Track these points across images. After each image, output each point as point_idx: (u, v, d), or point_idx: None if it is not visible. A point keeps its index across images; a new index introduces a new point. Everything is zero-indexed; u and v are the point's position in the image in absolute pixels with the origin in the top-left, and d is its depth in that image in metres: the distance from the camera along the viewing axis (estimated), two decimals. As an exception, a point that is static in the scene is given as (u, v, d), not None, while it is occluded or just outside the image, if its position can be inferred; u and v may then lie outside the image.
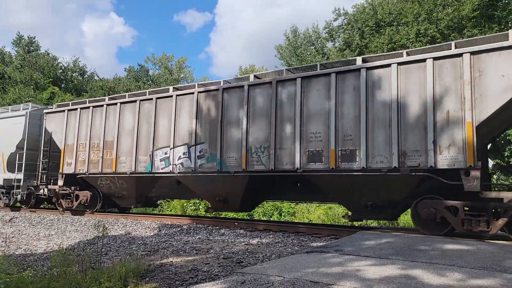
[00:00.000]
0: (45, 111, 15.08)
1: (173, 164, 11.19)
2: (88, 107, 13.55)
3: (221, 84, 11.07)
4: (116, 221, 12.11)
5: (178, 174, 11.12)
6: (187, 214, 17.92)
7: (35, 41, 42.99)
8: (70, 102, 14.41)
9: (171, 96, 11.66)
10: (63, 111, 14.19)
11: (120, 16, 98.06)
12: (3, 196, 16.22)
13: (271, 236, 9.13)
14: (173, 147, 11.26)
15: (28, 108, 16.16)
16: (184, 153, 11.08)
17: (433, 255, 5.57)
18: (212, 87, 11.02)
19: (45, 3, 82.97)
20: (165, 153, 11.43)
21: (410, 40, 22.01)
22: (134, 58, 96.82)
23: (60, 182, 13.93)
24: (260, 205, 16.13)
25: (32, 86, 34.29)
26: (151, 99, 12.06)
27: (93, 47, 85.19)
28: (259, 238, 8.81)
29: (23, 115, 15.75)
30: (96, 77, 43.44)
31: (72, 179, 13.84)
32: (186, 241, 8.48)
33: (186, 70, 48.46)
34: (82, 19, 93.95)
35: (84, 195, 13.58)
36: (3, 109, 17.58)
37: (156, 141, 11.67)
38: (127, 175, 12.25)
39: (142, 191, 12.75)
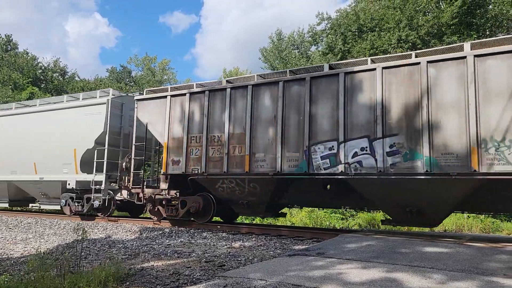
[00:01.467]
0: (136, 97, 12.27)
1: (345, 163, 8.68)
2: (202, 92, 10.79)
3: (414, 57, 8.56)
4: (96, 224, 11.91)
5: (354, 176, 8.61)
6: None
7: (12, 39, 42.03)
8: (169, 87, 11.71)
9: (336, 74, 9.07)
10: (164, 97, 11.43)
11: (105, 17, 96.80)
12: (73, 202, 13.39)
13: (253, 239, 9.11)
14: (344, 141, 8.79)
15: (108, 95, 13.33)
16: (363, 148, 8.64)
17: (413, 257, 5.65)
18: (405, 62, 8.44)
19: (26, 1, 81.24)
20: (330, 149, 8.97)
21: (392, 45, 22.38)
22: (117, 59, 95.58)
23: (164, 185, 11.20)
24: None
25: (10, 86, 33.49)
26: (303, 79, 9.43)
27: (76, 47, 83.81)
28: (242, 241, 8.78)
29: (103, 104, 12.99)
30: (77, 78, 42.72)
31: (176, 181, 11.19)
32: (167, 245, 8.39)
33: (170, 72, 48.15)
34: (65, 18, 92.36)
35: (195, 201, 10.81)
36: (70, 96, 14.70)
37: (314, 133, 9.13)
38: (269, 176, 9.55)
39: (276, 197, 10.29)
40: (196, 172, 10.58)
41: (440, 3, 22.20)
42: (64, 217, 13.53)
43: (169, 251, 7.56)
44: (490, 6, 21.20)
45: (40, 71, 39.61)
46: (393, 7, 23.48)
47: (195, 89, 11.09)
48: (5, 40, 41.48)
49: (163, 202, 11.38)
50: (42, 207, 14.87)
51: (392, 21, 22.86)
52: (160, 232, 10.24)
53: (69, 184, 13.24)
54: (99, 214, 13.30)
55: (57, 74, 41.54)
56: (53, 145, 13.72)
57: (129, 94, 14.44)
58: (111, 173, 12.89)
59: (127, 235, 10.15)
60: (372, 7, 25.32)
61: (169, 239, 9.30)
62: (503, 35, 20.04)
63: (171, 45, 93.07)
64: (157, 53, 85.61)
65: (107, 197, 12.77)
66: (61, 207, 13.94)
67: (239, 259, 6.58)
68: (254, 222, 13.57)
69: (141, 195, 11.73)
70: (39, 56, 45.81)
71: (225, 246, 8.11)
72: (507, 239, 7.88)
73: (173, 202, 11.30)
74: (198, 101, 10.89)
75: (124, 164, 12.63)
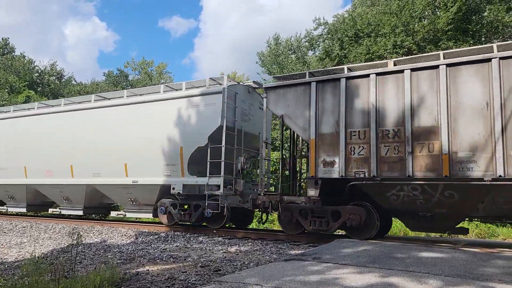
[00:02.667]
0: (265, 85, 10.53)
1: None
2: (365, 76, 8.80)
3: None
4: (92, 228, 11.85)
5: None
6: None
7: (9, 43, 41.97)
8: (307, 72, 9.71)
9: None
10: (306, 84, 9.42)
11: (103, 21, 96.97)
12: (176, 210, 11.23)
13: (249, 244, 9.09)
14: None
15: (222, 83, 11.20)
16: None
17: (409, 263, 5.65)
18: None
19: (25, 3, 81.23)
20: None
21: (388, 51, 22.50)
22: (116, 63, 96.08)
23: (313, 191, 9.07)
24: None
25: (6, 89, 33.39)
26: None
27: (74, 51, 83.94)
28: (238, 246, 8.76)
29: (219, 93, 10.76)
30: (73, 82, 42.66)
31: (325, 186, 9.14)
32: (163, 249, 8.36)
33: (167, 76, 48.14)
34: (64, 22, 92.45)
35: (354, 212, 8.72)
36: (167, 86, 12.57)
37: None
38: (483, 182, 7.51)
39: (474, 208, 8.24)
40: (362, 176, 8.57)
41: (436, 10, 22.36)
42: (59, 221, 13.42)
43: (164, 255, 7.52)
44: (486, 13, 21.37)
45: (36, 74, 39.54)
46: (389, 13, 23.63)
47: (354, 73, 9.06)
48: (2, 43, 41.42)
49: (305, 212, 9.34)
50: (129, 215, 12.88)
51: (388, 26, 22.99)
52: (155, 237, 10.20)
53: (173, 188, 11.11)
54: (208, 225, 11.21)
55: (54, 78, 41.47)
56: (150, 144, 11.61)
57: (241, 83, 12.10)
58: (226, 175, 10.85)
59: (123, 240, 10.10)
60: (369, 12, 25.47)
61: (165, 243, 9.26)
62: (499, 41, 20.22)
63: (170, 49, 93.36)
64: (156, 57, 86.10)
65: (225, 205, 10.55)
66: (156, 215, 11.95)
67: (235, 264, 6.56)
68: (250, 226, 13.54)
69: (261, 201, 9.93)
70: (36, 59, 45.86)
71: (221, 251, 8.09)
72: (503, 244, 7.90)
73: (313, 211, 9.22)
74: (360, 87, 8.81)
75: (239, 165, 10.96)
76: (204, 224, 11.34)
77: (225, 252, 7.93)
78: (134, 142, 11.87)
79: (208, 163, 10.68)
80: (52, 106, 14.84)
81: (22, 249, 9.01)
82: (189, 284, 5.15)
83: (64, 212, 14.08)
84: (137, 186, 11.87)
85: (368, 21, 24.73)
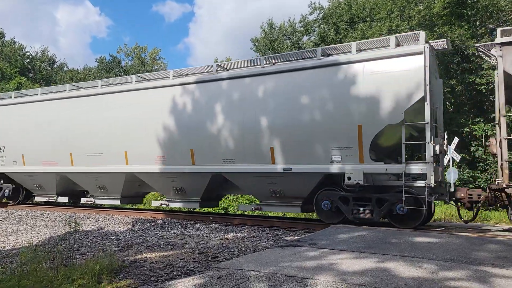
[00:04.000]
0: (499, 40, 8.03)
1: None
2: None
3: None
4: (88, 216, 11.87)
5: None
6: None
7: (-1, 28, 41.26)
8: None
9: None
10: None
11: (96, 6, 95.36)
12: (346, 205, 8.90)
13: (246, 230, 9.17)
14: None
15: (418, 41, 8.58)
16: None
17: (404, 248, 5.74)
18: None
19: (13, -12, 79.53)
20: None
21: (383, 35, 22.40)
22: (109, 48, 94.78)
23: None
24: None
25: (-3, 76, 32.96)
26: None
27: (66, 36, 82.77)
28: (234, 233, 8.83)
29: (419, 54, 8.18)
30: (65, 68, 42.16)
31: None
32: (160, 236, 8.41)
33: (160, 62, 47.69)
34: (55, 6, 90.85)
35: None
36: (324, 50, 9.61)
37: None
38: None
39: None
40: None
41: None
42: (55, 209, 13.42)
43: (162, 242, 7.58)
44: (481, -3, 21.28)
45: (28, 60, 39.00)
46: (385, -3, 23.48)
47: None
48: (-8, 29, 40.68)
49: None
50: (267, 209, 10.45)
51: (384, 11, 22.85)
52: (152, 224, 10.25)
53: (349, 178, 8.61)
54: (397, 225, 8.59)
55: (46, 64, 40.94)
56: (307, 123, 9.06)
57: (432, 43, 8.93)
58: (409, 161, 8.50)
59: (120, 227, 10.14)
60: (364, -3, 25.29)
61: (162, 230, 9.32)
62: (493, 26, 20.19)
63: (164, 34, 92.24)
64: (150, 42, 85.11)
65: (432, 199, 8.26)
66: (306, 210, 9.88)
67: (232, 251, 6.63)
68: (246, 213, 13.63)
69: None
70: (27, 45, 45.15)
71: (218, 238, 8.16)
72: (496, 229, 8.04)
73: None
74: None
75: (438, 147, 8.38)
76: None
77: (222, 239, 8.00)
78: (281, 119, 9.44)
79: (403, 145, 8.40)
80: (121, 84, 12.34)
81: (19, 237, 9.02)
82: (188, 271, 5.21)
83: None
84: (290, 174, 9.35)
85: (363, 6, 24.55)
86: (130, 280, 4.80)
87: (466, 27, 20.14)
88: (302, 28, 30.69)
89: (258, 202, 10.40)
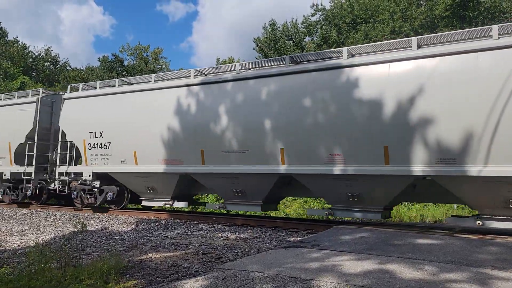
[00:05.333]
0: None
1: None
2: None
3: None
4: (92, 215, 11.98)
5: None
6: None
7: (1, 27, 41.46)
8: None
9: None
10: None
11: (99, 5, 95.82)
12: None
13: (249, 231, 9.26)
14: None
15: None
16: None
17: (405, 249, 5.82)
18: None
19: (17, -14, 79.85)
20: None
21: (385, 37, 22.48)
22: (112, 48, 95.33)
23: None
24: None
25: (1, 75, 33.10)
26: None
27: (70, 35, 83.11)
28: (238, 233, 8.92)
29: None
30: (68, 67, 42.32)
31: None
32: (164, 236, 8.50)
33: (162, 62, 47.77)
34: (60, 6, 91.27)
35: None
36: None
37: None
38: None
39: None
40: None
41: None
42: (59, 209, 13.53)
43: (166, 243, 7.67)
44: (483, -1, 21.35)
45: (31, 60, 39.17)
46: (387, -1, 23.57)
47: None
48: (-5, 28, 40.89)
49: None
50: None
51: (387, 12, 22.92)
52: (156, 224, 10.34)
53: None
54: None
55: (49, 64, 41.11)
56: None
57: None
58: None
59: (124, 227, 10.24)
60: (367, -2, 25.35)
61: (166, 231, 9.41)
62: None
63: (168, 33, 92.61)
64: (153, 41, 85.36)
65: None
66: None
67: (236, 251, 6.71)
68: (248, 213, 13.72)
69: None
70: (31, 44, 45.34)
71: (222, 238, 8.25)
72: (496, 231, 8.10)
73: None
74: None
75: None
76: None
77: (225, 240, 8.09)
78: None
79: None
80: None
81: (24, 237, 9.13)
82: (193, 272, 5.30)
83: None
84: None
85: (366, 7, 24.61)
86: (136, 280, 4.89)
87: (468, 29, 20.20)
88: (304, 29, 30.76)
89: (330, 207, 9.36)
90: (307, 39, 31.67)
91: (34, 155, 13.55)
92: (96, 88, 12.87)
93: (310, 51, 28.51)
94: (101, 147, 12.04)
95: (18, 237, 9.15)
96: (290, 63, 9.70)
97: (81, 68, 42.23)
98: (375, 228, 8.16)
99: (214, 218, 10.93)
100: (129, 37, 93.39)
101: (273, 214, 13.63)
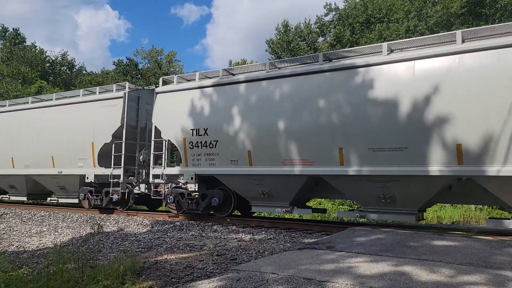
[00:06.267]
0: None
1: None
2: None
3: None
4: (108, 217, 12.13)
5: None
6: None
7: (20, 33, 42.38)
8: None
9: None
10: None
11: (115, 9, 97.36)
12: None
13: (263, 232, 9.25)
14: None
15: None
16: None
17: (421, 251, 5.74)
18: None
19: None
20: None
21: (400, 36, 22.25)
22: (127, 51, 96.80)
23: None
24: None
25: (19, 80, 33.82)
26: None
27: (86, 40, 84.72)
28: (252, 235, 8.92)
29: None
30: (84, 71, 43.03)
31: None
32: (179, 238, 8.56)
33: (176, 64, 48.21)
34: (77, 11, 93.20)
35: None
36: None
37: None
38: None
39: None
40: None
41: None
42: (76, 210, 13.75)
43: (181, 244, 7.72)
44: (500, -4, 20.95)
45: (48, 64, 39.94)
46: (402, -3, 23.34)
47: None
48: (14, 33, 41.81)
49: None
50: None
51: (401, 11, 22.69)
52: (171, 225, 10.42)
53: None
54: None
55: (65, 68, 41.86)
56: None
57: None
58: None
59: (139, 228, 10.35)
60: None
61: (180, 232, 9.47)
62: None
63: (182, 36, 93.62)
64: (168, 44, 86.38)
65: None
66: None
67: (250, 253, 6.72)
68: (262, 215, 13.71)
69: None
70: (48, 49, 46.22)
71: (236, 240, 8.27)
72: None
73: None
74: None
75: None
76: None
77: (239, 241, 8.10)
78: None
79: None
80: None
81: (43, 238, 9.30)
82: (207, 273, 5.32)
83: None
84: None
85: (379, 6, 24.41)
86: (152, 281, 4.94)
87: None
88: (317, 29, 30.66)
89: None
90: (320, 39, 31.58)
91: (123, 156, 12.17)
92: (195, 80, 11.41)
93: (324, 51, 28.42)
94: (206, 146, 10.62)
95: (37, 238, 9.32)
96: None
97: (97, 72, 42.93)
98: (391, 229, 8.07)
99: (228, 219, 10.96)
100: (144, 40, 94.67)
101: (287, 216, 13.60)
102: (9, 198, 15.82)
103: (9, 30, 41.96)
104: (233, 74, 10.91)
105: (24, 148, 14.52)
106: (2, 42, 41.84)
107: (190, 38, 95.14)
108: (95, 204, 12.92)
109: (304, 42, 32.69)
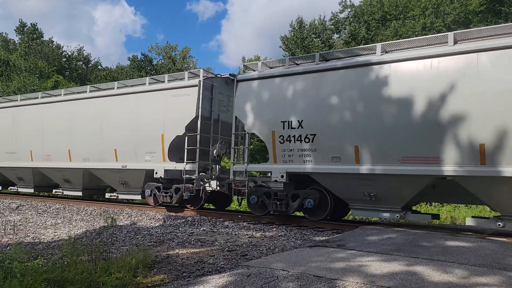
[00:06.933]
0: None
1: None
2: None
3: None
4: (121, 211, 12.28)
5: None
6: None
7: (37, 28, 43.04)
8: None
9: None
10: None
11: (131, 5, 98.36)
12: None
13: (274, 229, 9.26)
14: None
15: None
16: None
17: (434, 251, 5.69)
18: None
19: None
20: None
21: (416, 33, 21.95)
22: (142, 47, 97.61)
23: None
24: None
25: (37, 75, 34.38)
26: None
27: (102, 36, 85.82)
28: (263, 231, 8.95)
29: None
30: (99, 67, 43.53)
31: None
32: (191, 233, 8.63)
33: (190, 61, 48.37)
34: (94, 7, 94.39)
35: None
36: None
37: None
38: None
39: None
40: None
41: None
42: (90, 204, 13.95)
43: (192, 239, 7.79)
44: (520, -7, 20.51)
45: (64, 59, 40.51)
46: (419, -6, 23.01)
47: None
48: (31, 29, 42.48)
49: None
50: None
51: (418, 8, 22.38)
52: (183, 220, 10.51)
53: None
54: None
55: (81, 63, 42.41)
56: None
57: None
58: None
59: (151, 222, 10.46)
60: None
61: (192, 227, 9.55)
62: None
63: (197, 32, 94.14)
64: (183, 40, 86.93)
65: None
66: None
67: (261, 249, 6.74)
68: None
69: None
70: (64, 44, 46.92)
71: (247, 236, 8.30)
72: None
73: None
74: None
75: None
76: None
77: (250, 237, 8.13)
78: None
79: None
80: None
81: (58, 230, 9.48)
82: (218, 268, 5.36)
83: None
84: None
85: (396, 3, 24.10)
86: (163, 275, 4.99)
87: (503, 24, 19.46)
88: (332, 26, 30.44)
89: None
90: (335, 36, 31.35)
91: (198, 150, 11.07)
92: (284, 65, 10.20)
93: (339, 48, 28.20)
94: (300, 141, 9.41)
95: (52, 230, 9.50)
96: None
97: (112, 68, 43.37)
98: (403, 229, 8.01)
99: (239, 216, 11.00)
100: (159, 36, 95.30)
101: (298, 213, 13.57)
102: (63, 193, 14.88)
103: (27, 25, 42.65)
104: (327, 60, 9.68)
105: (83, 140, 13.51)
106: (20, 37, 42.56)
107: (205, 34, 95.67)
108: (164, 202, 11.85)
109: (318, 39, 32.47)
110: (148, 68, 44.95)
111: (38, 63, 35.38)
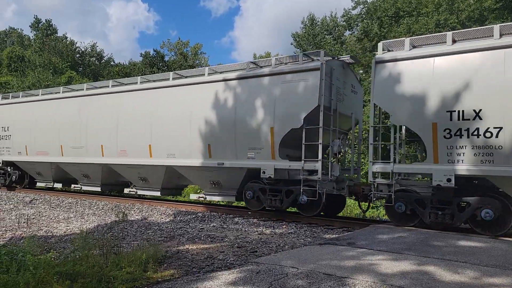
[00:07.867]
0: None
1: None
2: None
3: None
4: (132, 206, 12.40)
5: None
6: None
7: (52, 24, 43.57)
8: None
9: None
10: None
11: (145, 2, 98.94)
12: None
13: (284, 226, 9.26)
14: None
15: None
16: None
17: (446, 251, 5.63)
18: None
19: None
20: None
21: (429, 30, 21.66)
22: (155, 43, 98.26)
23: None
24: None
25: (50, 70, 34.82)
26: None
27: (116, 32, 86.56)
28: (272, 228, 8.94)
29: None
30: (112, 62, 43.91)
31: None
32: (201, 229, 8.67)
33: (201, 57, 48.49)
34: (108, 3, 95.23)
35: None
36: None
37: None
38: None
39: None
40: None
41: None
42: (102, 198, 14.10)
43: (202, 235, 7.82)
44: (538, -11, 20.07)
45: (78, 55, 40.96)
46: (433, -10, 22.68)
47: None
48: (46, 25, 43.02)
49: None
50: None
51: (432, 4, 22.07)
52: (193, 216, 10.56)
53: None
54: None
55: (94, 59, 42.83)
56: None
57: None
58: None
59: (162, 218, 10.53)
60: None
61: (202, 223, 9.59)
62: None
63: (210, 28, 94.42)
64: (196, 36, 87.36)
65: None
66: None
67: (271, 246, 6.74)
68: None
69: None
70: (78, 40, 47.42)
71: (256, 232, 8.30)
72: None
73: None
74: None
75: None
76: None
77: (260, 234, 8.14)
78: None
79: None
80: None
81: (70, 224, 9.61)
82: (228, 264, 5.37)
83: None
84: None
85: (409, 0, 23.82)
86: (173, 270, 5.03)
87: (520, 21, 19.06)
88: (344, 23, 30.20)
89: None
90: (347, 33, 31.10)
91: (320, 146, 9.45)
92: (445, 42, 8.31)
93: (350, 45, 27.99)
94: (477, 135, 7.57)
95: (64, 224, 9.64)
96: None
97: (124, 63, 43.70)
98: (415, 228, 7.93)
99: (249, 212, 11.01)
100: (172, 32, 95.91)
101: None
102: (136, 192, 13.34)
103: (41, 21, 43.21)
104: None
105: (168, 134, 11.80)
106: (35, 33, 43.13)
107: (218, 30, 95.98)
108: (271, 206, 10.23)
109: (330, 36, 32.26)
110: (160, 64, 45.16)
111: (52, 59, 35.83)
